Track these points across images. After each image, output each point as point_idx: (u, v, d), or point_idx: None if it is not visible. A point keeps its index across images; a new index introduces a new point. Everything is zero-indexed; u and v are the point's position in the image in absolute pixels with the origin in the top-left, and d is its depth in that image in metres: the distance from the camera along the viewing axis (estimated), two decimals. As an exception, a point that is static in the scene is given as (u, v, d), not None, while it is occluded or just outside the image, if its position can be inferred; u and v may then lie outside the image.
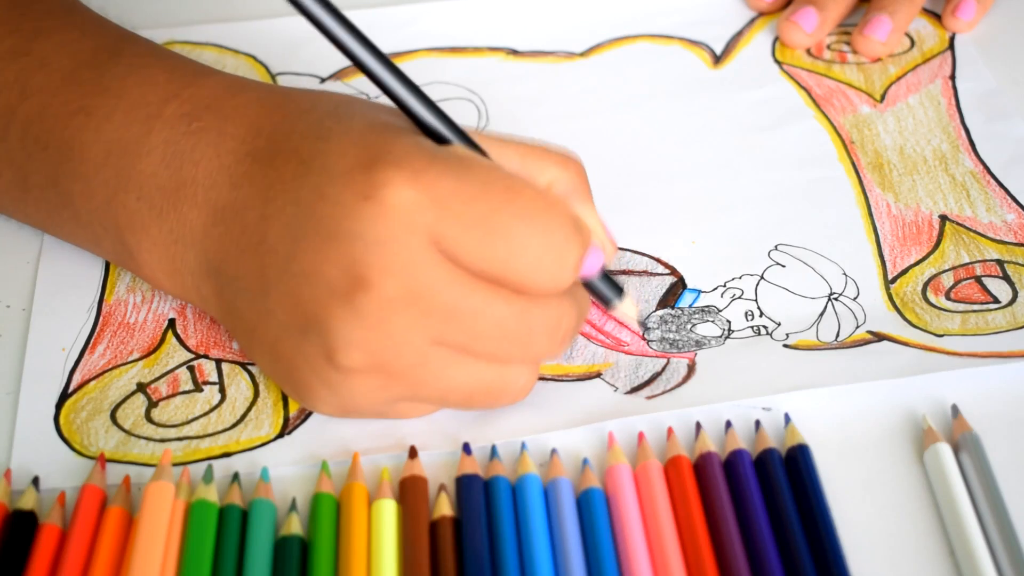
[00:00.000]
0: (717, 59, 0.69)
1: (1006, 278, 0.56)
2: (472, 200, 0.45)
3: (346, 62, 0.67)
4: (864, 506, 0.48)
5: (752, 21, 0.71)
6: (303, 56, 0.68)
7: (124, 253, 0.53)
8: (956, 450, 0.49)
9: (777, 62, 0.68)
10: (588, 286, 0.50)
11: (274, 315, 0.48)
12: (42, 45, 0.54)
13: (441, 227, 0.45)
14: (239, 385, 0.53)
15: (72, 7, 0.57)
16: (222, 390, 0.53)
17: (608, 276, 0.51)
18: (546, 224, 0.46)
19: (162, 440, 0.51)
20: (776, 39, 0.69)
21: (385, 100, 0.48)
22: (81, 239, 0.56)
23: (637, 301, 0.56)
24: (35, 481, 0.49)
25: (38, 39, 0.55)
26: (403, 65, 0.66)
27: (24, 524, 0.47)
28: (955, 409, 0.50)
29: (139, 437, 0.51)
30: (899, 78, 0.67)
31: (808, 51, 0.69)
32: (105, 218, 0.53)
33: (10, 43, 0.55)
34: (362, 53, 0.47)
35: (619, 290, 0.51)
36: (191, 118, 0.51)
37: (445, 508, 0.48)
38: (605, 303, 0.51)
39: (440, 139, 0.48)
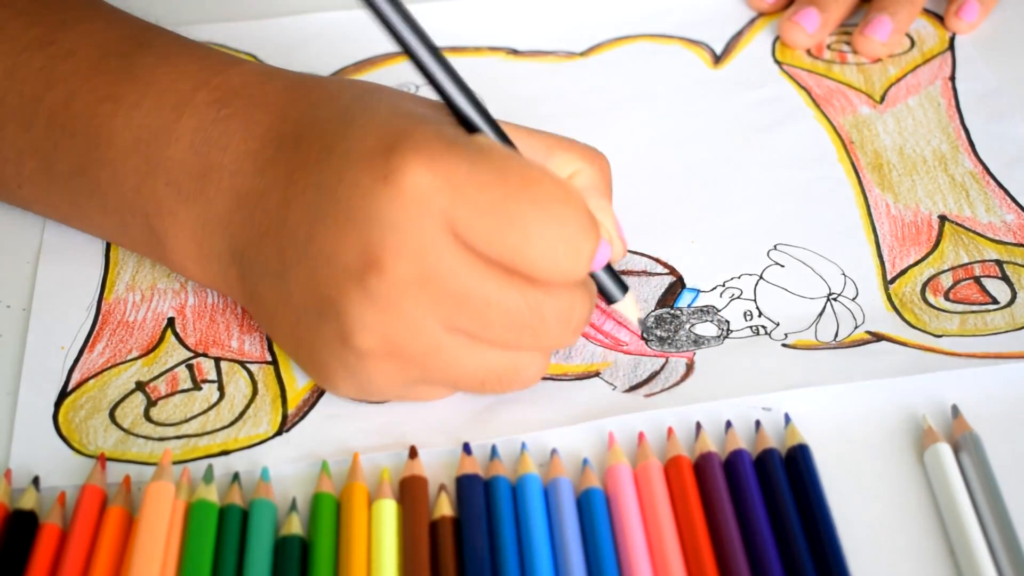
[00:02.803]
0: (717, 59, 0.69)
1: (1005, 279, 0.56)
2: (487, 186, 0.45)
3: (346, 62, 0.68)
4: (864, 506, 0.48)
5: (752, 21, 0.71)
6: (303, 56, 0.68)
7: (152, 239, 0.53)
8: (956, 450, 0.49)
9: (777, 62, 0.68)
10: (592, 279, 0.50)
11: (293, 298, 0.48)
12: (68, 35, 0.55)
13: (455, 212, 0.45)
14: (238, 383, 0.53)
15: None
16: (220, 388, 0.53)
17: (613, 272, 0.51)
18: (561, 214, 0.46)
19: (161, 439, 0.51)
20: (776, 39, 0.70)
21: (410, 91, 0.48)
22: (107, 227, 0.55)
23: (639, 301, 0.56)
24: (35, 481, 0.49)
25: (63, 29, 0.55)
26: (403, 65, 0.66)
27: (24, 524, 0.47)
28: (955, 409, 0.50)
29: (138, 436, 0.51)
30: (899, 79, 0.67)
31: (808, 51, 0.69)
32: (133, 204, 0.53)
33: (35, 33, 0.55)
34: (410, 37, 0.47)
35: (624, 287, 0.51)
36: (221, 105, 0.52)
37: (445, 508, 0.48)
38: (608, 299, 0.51)
39: (471, 127, 0.48)
